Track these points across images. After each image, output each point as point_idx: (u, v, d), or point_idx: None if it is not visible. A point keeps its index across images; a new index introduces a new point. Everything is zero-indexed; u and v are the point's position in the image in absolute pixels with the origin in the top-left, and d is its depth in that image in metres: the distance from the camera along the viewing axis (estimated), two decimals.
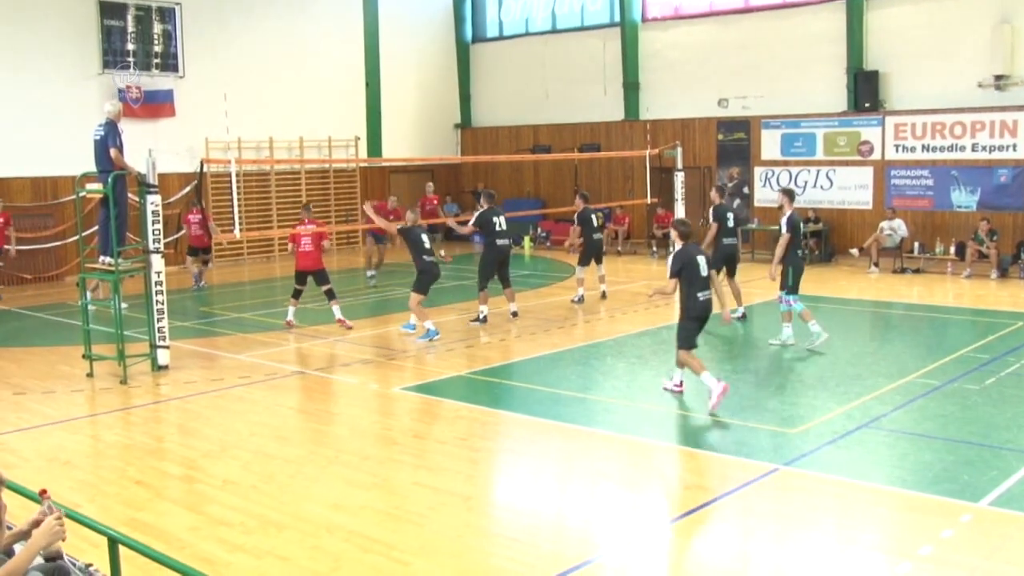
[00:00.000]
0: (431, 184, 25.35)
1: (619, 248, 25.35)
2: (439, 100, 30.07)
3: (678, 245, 10.40)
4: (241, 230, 14.83)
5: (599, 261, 17.56)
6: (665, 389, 10.87)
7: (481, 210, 15.60)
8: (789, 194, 13.48)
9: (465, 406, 10.59)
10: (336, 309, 15.09)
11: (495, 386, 11.62)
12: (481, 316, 15.35)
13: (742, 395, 10.73)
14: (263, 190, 25.42)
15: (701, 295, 10.28)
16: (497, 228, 15.37)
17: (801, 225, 13.36)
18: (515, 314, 15.71)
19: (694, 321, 10.35)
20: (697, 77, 25.33)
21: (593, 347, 13.57)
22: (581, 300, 17.10)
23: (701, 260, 10.34)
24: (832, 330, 14.52)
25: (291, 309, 15.38)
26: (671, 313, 16.49)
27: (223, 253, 24.43)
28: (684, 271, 10.22)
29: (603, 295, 17.52)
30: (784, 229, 13.04)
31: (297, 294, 15.42)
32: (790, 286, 13.07)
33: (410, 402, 10.97)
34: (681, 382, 10.78)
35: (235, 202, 14.04)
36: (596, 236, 17.43)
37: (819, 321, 13.28)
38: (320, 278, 15.19)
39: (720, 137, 24.88)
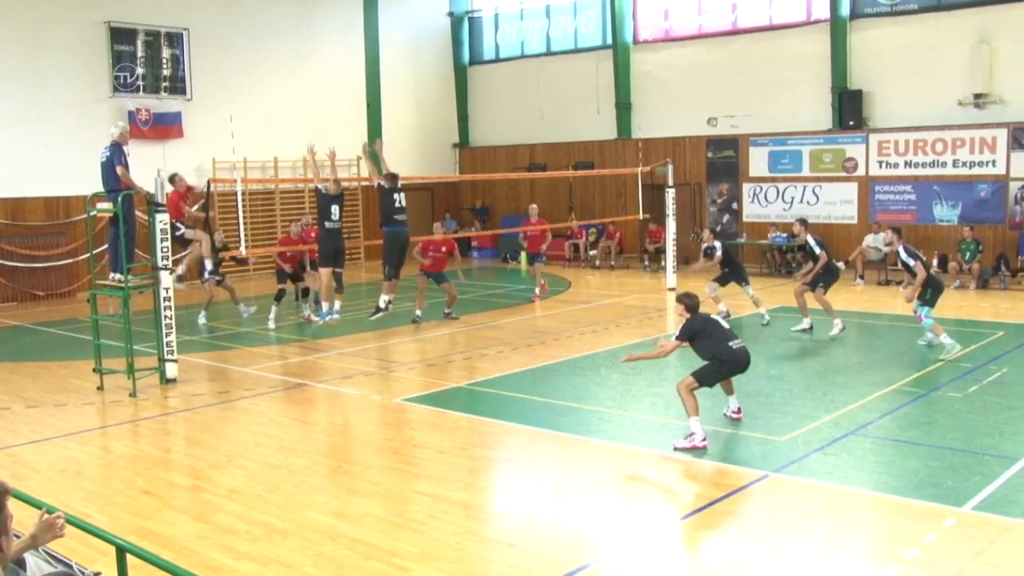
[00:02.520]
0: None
1: (612, 263, 25.38)
2: (438, 120, 30.13)
3: (686, 316, 9.81)
4: (247, 247, 14.80)
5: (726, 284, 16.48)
6: (726, 415, 10.14)
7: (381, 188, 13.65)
8: (897, 232, 14.45)
9: (464, 416, 10.57)
10: (272, 310, 16.70)
11: (493, 397, 11.58)
12: (384, 305, 13.91)
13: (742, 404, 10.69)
14: (268, 208, 25.44)
15: (734, 344, 9.60)
16: (397, 205, 13.53)
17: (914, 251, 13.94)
18: (385, 308, 14.05)
19: (724, 364, 9.58)
20: (687, 97, 25.40)
21: (587, 359, 13.54)
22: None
23: (718, 319, 9.87)
24: (820, 340, 14.54)
25: (324, 305, 14.24)
26: (664, 325, 16.53)
27: (228, 269, 24.35)
28: (704, 332, 9.62)
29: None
30: (911, 261, 13.61)
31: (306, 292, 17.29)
32: (927, 299, 13.44)
33: (411, 413, 10.94)
34: (739, 408, 10.19)
35: (241, 220, 14.01)
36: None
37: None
38: (294, 276, 17.32)
39: (709, 155, 24.92)
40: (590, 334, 15.53)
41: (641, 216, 21.82)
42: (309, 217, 19.47)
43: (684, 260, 23.76)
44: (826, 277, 15.22)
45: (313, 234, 17.98)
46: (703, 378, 9.53)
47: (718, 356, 9.56)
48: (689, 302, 9.88)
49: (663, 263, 22.46)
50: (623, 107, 26.65)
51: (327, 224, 13.35)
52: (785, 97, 23.58)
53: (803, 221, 15.79)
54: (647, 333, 15.37)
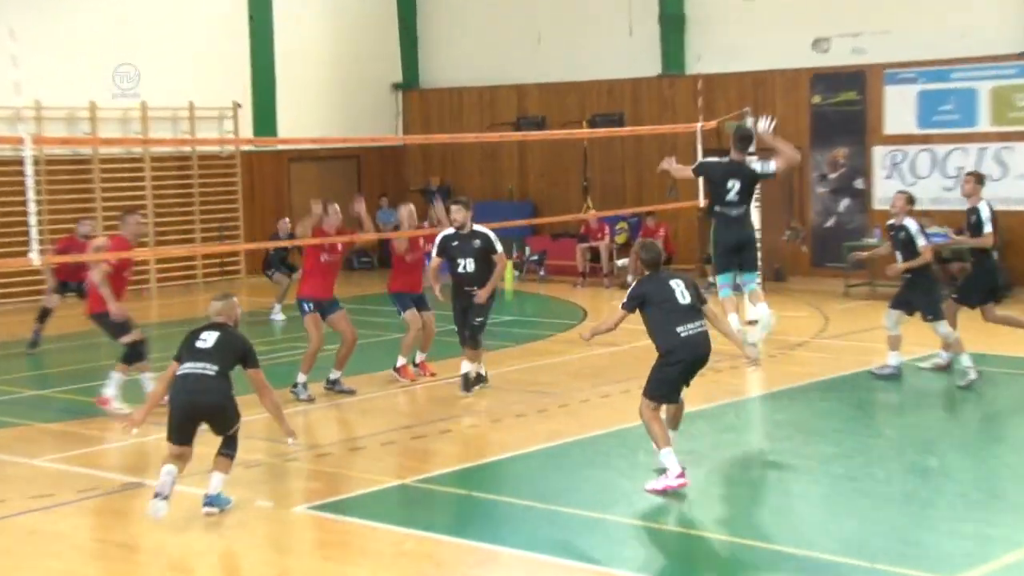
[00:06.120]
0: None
1: None
2: (368, 48, 30.35)
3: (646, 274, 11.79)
4: (42, 252, 14.46)
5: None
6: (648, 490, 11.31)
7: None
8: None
9: (409, 534, 10.47)
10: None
11: (456, 501, 11.59)
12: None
13: (881, 519, 10.53)
14: (81, 185, 25.37)
15: (683, 329, 11.21)
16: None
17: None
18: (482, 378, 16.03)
19: (674, 365, 11.29)
20: (778, 5, 25.55)
21: (617, 435, 13.49)
22: (969, 382, 15.45)
23: (676, 284, 11.43)
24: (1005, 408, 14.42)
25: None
26: (744, 383, 16.26)
27: (11, 290, 24.03)
28: (650, 302, 11.37)
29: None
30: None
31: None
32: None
33: (321, 530, 10.93)
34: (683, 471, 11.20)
35: (31, 205, 13.65)
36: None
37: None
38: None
39: (816, 100, 24.99)
40: (618, 396, 15.42)
41: (702, 203, 21.57)
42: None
43: (775, 274, 23.56)
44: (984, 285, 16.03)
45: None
46: (653, 391, 11.40)
47: (663, 345, 11.32)
48: (646, 255, 11.78)
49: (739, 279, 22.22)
50: (672, 22, 26.93)
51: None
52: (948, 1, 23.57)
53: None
54: (713, 396, 15.35)
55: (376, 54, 30.27)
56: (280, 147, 27.74)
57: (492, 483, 12.07)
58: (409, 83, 30.65)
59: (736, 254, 15.87)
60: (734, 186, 15.17)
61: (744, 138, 15.46)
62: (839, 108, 24.72)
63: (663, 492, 11.00)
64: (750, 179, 15.43)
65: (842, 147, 24.71)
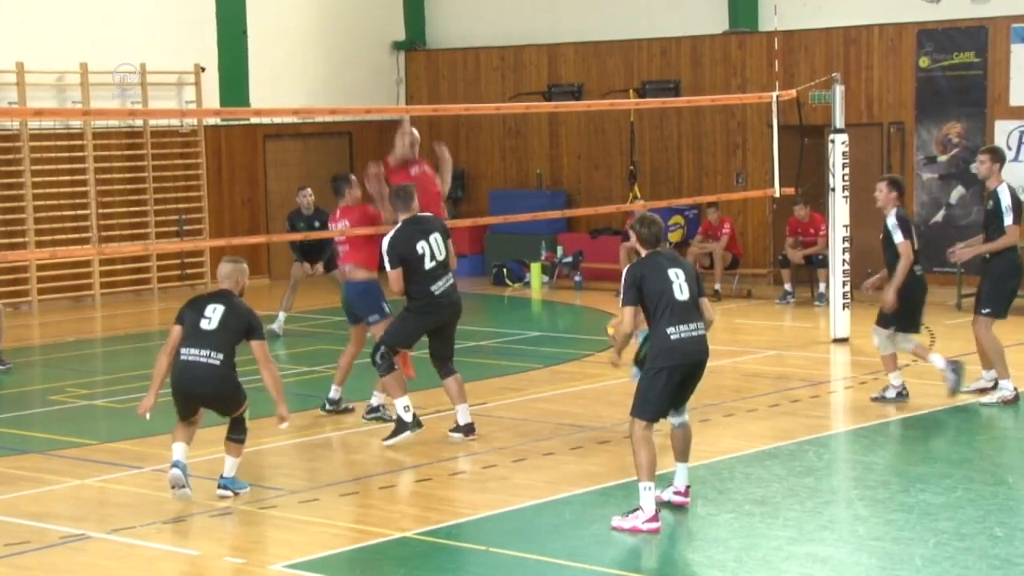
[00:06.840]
0: None
1: (717, 285, 25.08)
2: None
3: (642, 254, 12.24)
4: None
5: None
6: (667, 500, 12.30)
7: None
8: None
9: None
10: None
11: (471, 558, 11.61)
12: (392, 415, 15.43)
13: None
14: (5, 168, 25.56)
15: (673, 330, 11.63)
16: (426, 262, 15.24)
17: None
18: (467, 429, 15.53)
19: (659, 374, 11.72)
20: None
21: (672, 478, 13.28)
22: (901, 395, 16.68)
23: (676, 275, 11.85)
24: None
25: None
26: (830, 416, 16.24)
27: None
28: (645, 291, 11.76)
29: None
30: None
31: None
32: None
33: None
34: (687, 488, 12.37)
35: None
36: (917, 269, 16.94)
37: None
38: None
39: (924, 62, 24.95)
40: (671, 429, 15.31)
41: (777, 191, 21.62)
42: None
43: (866, 277, 23.53)
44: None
45: None
46: (640, 408, 11.77)
47: (650, 350, 11.90)
48: (644, 231, 12.10)
49: (823, 287, 22.21)
50: None
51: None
52: None
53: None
54: (789, 432, 15.49)
55: (373, 5, 30.41)
56: (254, 120, 27.81)
57: (515, 537, 11.96)
58: (414, 41, 30.74)
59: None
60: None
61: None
62: (953, 73, 24.67)
63: (631, 532, 11.50)
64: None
65: (956, 122, 24.68)
